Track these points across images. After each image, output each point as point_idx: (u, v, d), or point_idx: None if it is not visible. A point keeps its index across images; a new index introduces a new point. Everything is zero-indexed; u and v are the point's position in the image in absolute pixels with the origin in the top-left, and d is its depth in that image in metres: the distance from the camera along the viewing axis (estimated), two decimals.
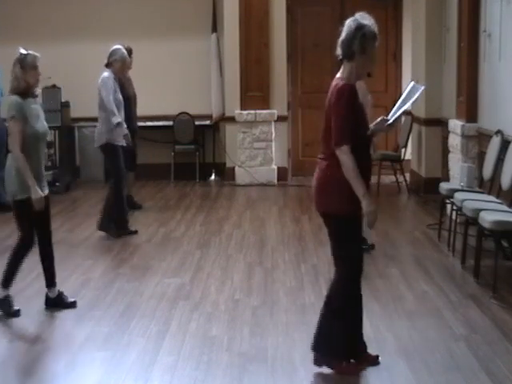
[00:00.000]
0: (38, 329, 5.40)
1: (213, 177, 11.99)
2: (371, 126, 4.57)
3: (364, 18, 4.42)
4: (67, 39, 11.78)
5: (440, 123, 10.09)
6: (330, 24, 12.12)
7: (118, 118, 8.14)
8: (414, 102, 4.75)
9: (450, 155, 8.92)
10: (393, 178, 10.97)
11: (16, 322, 5.55)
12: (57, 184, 10.91)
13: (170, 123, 11.73)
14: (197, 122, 11.71)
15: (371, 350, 4.82)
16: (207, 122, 11.90)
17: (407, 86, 4.88)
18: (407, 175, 10.99)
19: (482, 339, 5.03)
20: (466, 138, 8.38)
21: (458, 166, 8.29)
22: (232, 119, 11.41)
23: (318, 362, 4.56)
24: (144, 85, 12.01)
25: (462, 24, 8.70)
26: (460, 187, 7.51)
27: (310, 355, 4.73)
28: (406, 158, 10.95)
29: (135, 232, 8.30)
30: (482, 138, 8.18)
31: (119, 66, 8.37)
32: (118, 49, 8.40)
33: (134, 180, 9.87)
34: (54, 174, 11.00)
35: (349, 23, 4.39)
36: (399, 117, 4.64)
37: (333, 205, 4.41)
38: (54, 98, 10.81)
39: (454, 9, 9.22)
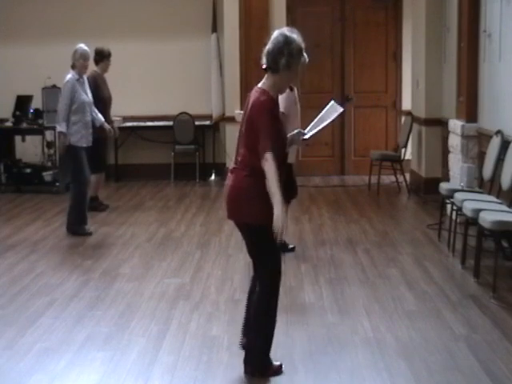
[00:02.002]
0: (37, 329, 5.39)
1: (213, 177, 12.00)
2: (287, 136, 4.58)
3: (292, 33, 4.37)
4: (67, 39, 11.73)
5: (440, 123, 10.09)
6: (330, 24, 12.16)
7: (63, 127, 8.18)
8: (331, 122, 4.77)
9: (450, 155, 8.92)
10: (393, 178, 10.97)
11: (16, 322, 5.55)
12: (57, 184, 10.92)
13: (170, 123, 11.73)
14: (197, 122, 11.71)
15: (371, 350, 4.84)
16: (207, 122, 11.90)
17: (327, 104, 4.87)
18: (407, 175, 10.98)
19: (482, 339, 5.03)
20: (465, 138, 8.38)
21: (458, 166, 8.30)
22: (232, 119, 11.40)
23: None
24: (144, 85, 12.05)
25: (462, 24, 8.70)
26: (460, 187, 7.51)
27: (310, 355, 4.75)
28: (406, 158, 10.94)
29: (90, 233, 8.29)
30: (482, 137, 8.18)
31: (81, 64, 8.39)
32: (78, 47, 8.43)
33: (103, 181, 9.89)
34: (54, 174, 11.01)
35: (277, 37, 4.34)
36: (316, 134, 4.66)
37: (254, 215, 4.38)
38: (53, 98, 10.76)
39: (454, 9, 9.22)
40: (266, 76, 4.43)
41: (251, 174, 4.36)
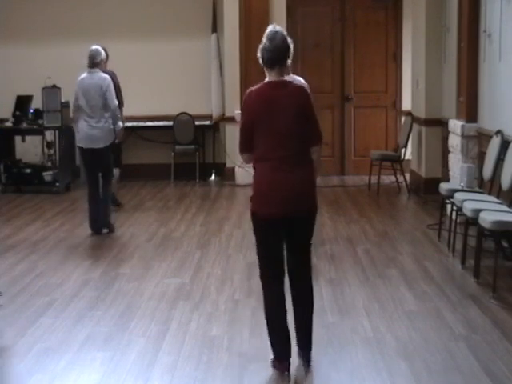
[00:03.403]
0: (37, 329, 5.39)
1: (213, 177, 12.00)
2: None
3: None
4: (67, 39, 11.77)
5: (440, 123, 10.09)
6: (330, 24, 12.15)
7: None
8: None
9: (450, 155, 8.92)
10: (393, 178, 10.96)
11: (16, 322, 5.55)
12: (57, 184, 10.92)
13: (170, 123, 11.73)
14: (197, 122, 11.71)
15: (371, 350, 4.84)
16: (207, 122, 11.90)
17: None
18: (407, 175, 10.98)
19: (482, 339, 5.03)
20: (466, 138, 8.38)
21: (458, 166, 8.30)
22: (232, 119, 11.40)
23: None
24: (144, 85, 12.04)
25: (462, 24, 8.70)
26: (460, 187, 7.51)
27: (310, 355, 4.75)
28: (406, 158, 10.94)
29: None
30: (482, 138, 8.18)
31: (104, 65, 8.65)
32: (98, 48, 8.45)
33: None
34: (54, 174, 11.00)
35: (279, 33, 4.59)
36: None
37: (315, 204, 4.77)
38: (53, 98, 10.79)
39: (454, 9, 9.22)
40: (274, 71, 4.56)
41: (311, 166, 4.61)
